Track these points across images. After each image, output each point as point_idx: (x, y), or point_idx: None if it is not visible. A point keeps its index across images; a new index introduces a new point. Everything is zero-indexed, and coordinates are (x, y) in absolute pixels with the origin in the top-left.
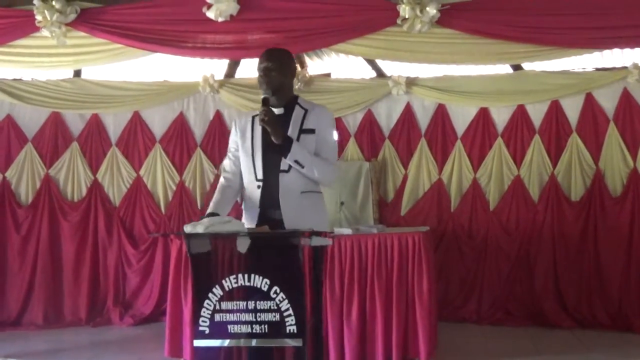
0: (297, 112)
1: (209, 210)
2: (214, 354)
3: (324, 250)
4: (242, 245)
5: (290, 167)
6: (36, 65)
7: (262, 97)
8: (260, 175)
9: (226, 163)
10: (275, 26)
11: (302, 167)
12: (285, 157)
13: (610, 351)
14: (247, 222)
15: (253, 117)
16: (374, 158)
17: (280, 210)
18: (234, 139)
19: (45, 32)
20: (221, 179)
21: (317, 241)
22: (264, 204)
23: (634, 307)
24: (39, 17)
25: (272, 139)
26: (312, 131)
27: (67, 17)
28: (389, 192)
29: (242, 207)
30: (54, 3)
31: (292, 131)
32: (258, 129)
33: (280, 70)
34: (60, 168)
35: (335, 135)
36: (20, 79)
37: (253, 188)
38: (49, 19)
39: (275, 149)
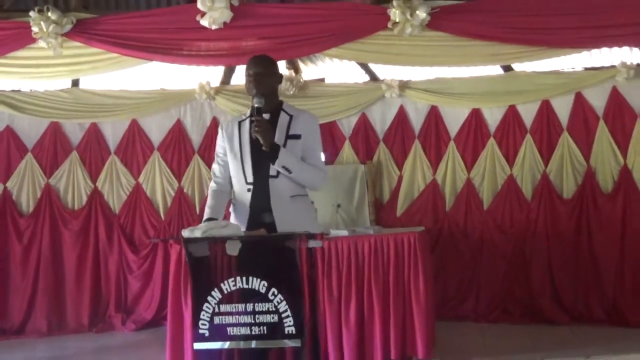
0: (283, 118)
1: (206, 216)
2: (215, 357)
3: (316, 252)
4: (233, 249)
5: (279, 172)
6: (34, 76)
7: (255, 106)
8: (250, 179)
9: (215, 168)
10: (269, 32)
11: (290, 172)
12: (274, 164)
13: (606, 345)
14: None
15: (239, 122)
16: (369, 160)
17: (271, 213)
18: (221, 144)
19: (41, 43)
20: (212, 184)
21: (311, 243)
22: (255, 208)
23: (628, 302)
24: (35, 29)
25: (263, 147)
26: (298, 137)
27: (63, 28)
28: (384, 193)
29: (231, 209)
30: (49, 14)
31: (278, 137)
32: (245, 134)
33: (269, 75)
34: (60, 177)
35: (321, 144)
36: (19, 90)
37: (243, 191)
38: (45, 30)
39: (263, 155)
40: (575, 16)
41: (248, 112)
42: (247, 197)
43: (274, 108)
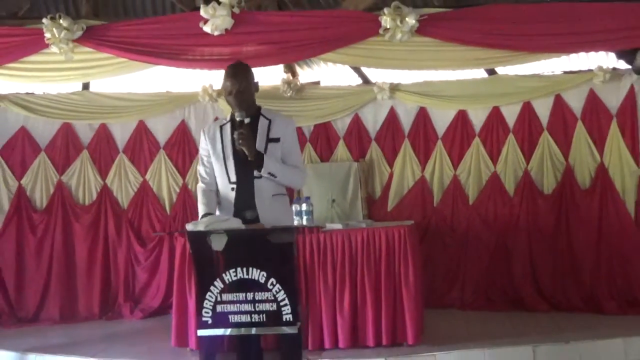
0: (262, 122)
1: (203, 212)
2: (217, 343)
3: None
4: (218, 243)
5: None
6: (46, 79)
7: (237, 120)
8: (233, 179)
9: (201, 169)
10: (268, 38)
11: (275, 177)
12: (260, 172)
13: (584, 331)
14: None
15: (221, 127)
16: (361, 158)
17: (255, 210)
18: (204, 147)
19: (54, 49)
20: (200, 184)
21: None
22: (239, 205)
23: (604, 291)
24: (47, 35)
25: (248, 157)
26: (277, 140)
27: (74, 34)
28: (376, 189)
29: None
30: (61, 21)
31: (259, 140)
32: (227, 136)
33: (248, 90)
34: (72, 174)
35: (298, 144)
36: (32, 93)
37: (227, 190)
38: (57, 36)
39: (246, 158)
40: (554, 23)
41: (228, 117)
42: (232, 195)
43: (253, 113)
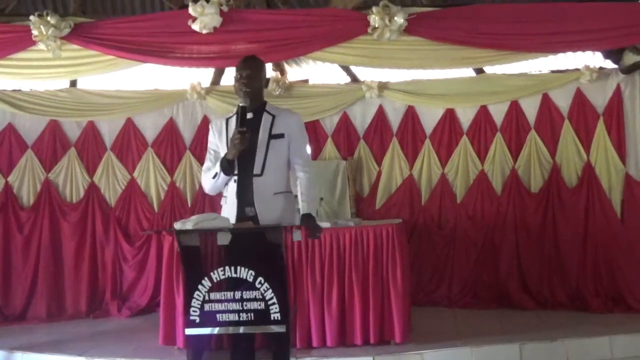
0: (266, 118)
1: (214, 172)
2: (205, 341)
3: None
4: (223, 239)
5: (262, 170)
6: (34, 76)
7: (240, 105)
8: (235, 171)
9: (209, 165)
10: (256, 37)
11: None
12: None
13: (570, 329)
14: (227, 216)
15: (227, 120)
16: (350, 157)
17: (254, 208)
18: (212, 140)
19: (41, 46)
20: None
21: (294, 236)
22: (240, 201)
23: (589, 289)
24: (35, 32)
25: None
26: (281, 136)
27: (61, 32)
28: (364, 188)
29: (222, 202)
30: (49, 18)
31: (262, 136)
32: (232, 131)
33: (257, 78)
34: (59, 172)
35: (306, 139)
36: (19, 90)
37: (231, 182)
38: (44, 33)
39: (248, 152)
40: (541, 23)
41: (234, 110)
42: (234, 187)
43: (258, 108)
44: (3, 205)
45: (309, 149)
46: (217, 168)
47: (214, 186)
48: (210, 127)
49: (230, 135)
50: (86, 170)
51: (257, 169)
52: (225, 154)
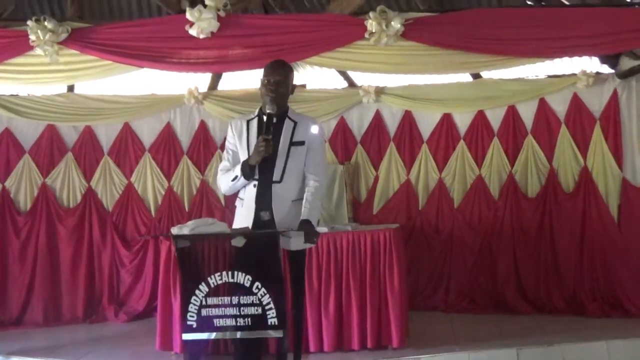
0: (288, 124)
1: (234, 174)
2: (202, 346)
3: (304, 251)
4: (238, 243)
5: (282, 177)
6: (31, 81)
7: (267, 112)
8: (256, 175)
9: (227, 164)
10: (253, 42)
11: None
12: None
13: (567, 334)
14: (243, 220)
15: (248, 121)
16: (347, 161)
17: (272, 213)
18: (231, 141)
19: (38, 51)
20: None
21: (296, 244)
22: (259, 205)
23: (587, 293)
24: (32, 37)
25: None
26: (301, 143)
27: (59, 37)
28: (361, 192)
29: (237, 204)
30: (46, 24)
31: (282, 143)
32: (253, 133)
33: (286, 84)
34: (56, 177)
35: (324, 147)
36: (17, 95)
37: (249, 186)
38: (42, 38)
39: (269, 156)
40: (538, 28)
41: (256, 112)
42: (253, 193)
43: (281, 114)
44: (0, 210)
45: (324, 163)
46: (238, 171)
47: (232, 187)
48: (229, 126)
49: (251, 137)
50: (83, 175)
51: (276, 176)
52: (248, 159)
